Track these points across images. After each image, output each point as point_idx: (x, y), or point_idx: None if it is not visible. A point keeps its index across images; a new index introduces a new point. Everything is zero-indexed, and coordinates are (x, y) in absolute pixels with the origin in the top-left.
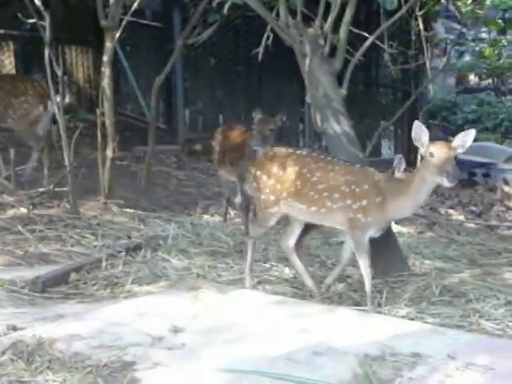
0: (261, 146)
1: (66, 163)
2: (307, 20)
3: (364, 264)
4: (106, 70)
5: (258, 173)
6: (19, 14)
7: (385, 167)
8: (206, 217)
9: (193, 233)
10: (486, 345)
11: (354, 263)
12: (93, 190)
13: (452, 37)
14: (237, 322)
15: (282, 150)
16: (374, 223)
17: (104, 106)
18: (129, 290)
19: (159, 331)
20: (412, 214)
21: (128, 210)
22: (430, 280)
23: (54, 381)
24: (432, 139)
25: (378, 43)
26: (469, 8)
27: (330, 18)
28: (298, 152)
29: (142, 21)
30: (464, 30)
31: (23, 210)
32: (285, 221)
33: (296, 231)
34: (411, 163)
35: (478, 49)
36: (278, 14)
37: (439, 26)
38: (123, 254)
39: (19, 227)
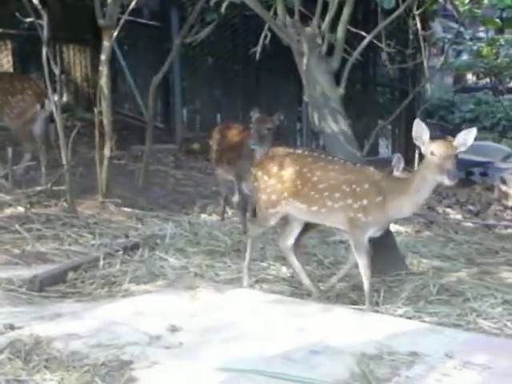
0: (258, 145)
1: (64, 162)
2: (305, 19)
3: (363, 263)
4: (104, 69)
5: (259, 173)
6: (17, 13)
7: (382, 166)
8: (203, 216)
9: (190, 232)
10: (484, 344)
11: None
12: (90, 188)
13: (450, 36)
14: (234, 321)
15: (282, 150)
16: (375, 223)
17: (102, 104)
18: (126, 289)
19: (157, 330)
20: (412, 214)
21: (126, 208)
22: (428, 279)
23: (52, 380)
24: (430, 138)
25: (376, 42)
26: (466, 7)
27: (328, 17)
28: (299, 152)
29: (139, 20)
30: (462, 29)
31: (21, 209)
32: (283, 220)
33: (295, 231)
34: (409, 162)
35: (475, 48)
36: (275, 13)
37: (437, 25)
38: (121, 252)
39: (17, 226)
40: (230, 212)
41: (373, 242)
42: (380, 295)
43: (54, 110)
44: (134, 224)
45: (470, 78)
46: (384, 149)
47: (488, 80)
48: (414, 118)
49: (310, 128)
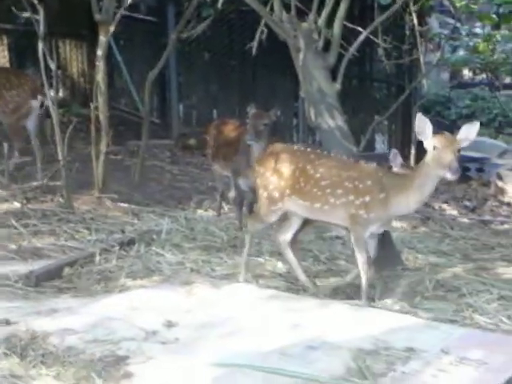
0: (255, 141)
1: (60, 157)
2: (301, 14)
3: (362, 259)
4: (100, 65)
5: (261, 169)
6: (13, 8)
7: (379, 162)
8: (199, 211)
9: (186, 227)
10: (480, 339)
11: (347, 258)
12: (87, 184)
13: (446, 31)
14: (230, 317)
15: (285, 147)
16: (377, 219)
17: (98, 100)
18: (122, 285)
19: (153, 325)
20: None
21: (122, 204)
22: (424, 275)
23: (48, 375)
24: None
25: (372, 38)
26: (463, 3)
27: (324, 13)
28: (301, 148)
29: (136, 15)
30: (458, 24)
31: (17, 205)
32: (282, 215)
33: (294, 226)
34: (405, 158)
35: (472, 44)
36: (272, 9)
37: (433, 21)
38: (117, 248)
39: (13, 221)
40: (226, 207)
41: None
42: (376, 291)
43: (50, 105)
44: (130, 219)
45: (467, 73)
46: (380, 144)
47: (484, 76)
48: (411, 114)
49: (306, 123)
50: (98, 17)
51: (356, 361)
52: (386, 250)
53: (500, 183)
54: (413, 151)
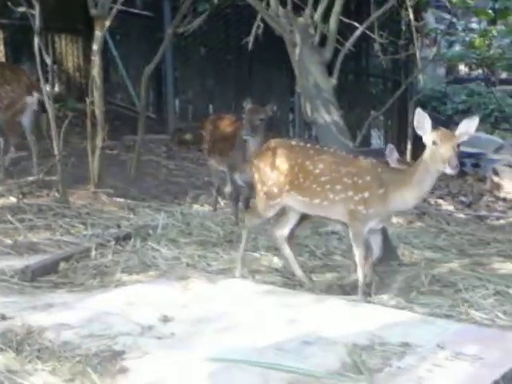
0: (251, 136)
1: (56, 152)
2: (297, 9)
3: (359, 255)
4: (96, 59)
5: (261, 164)
6: (9, 3)
7: (375, 157)
8: (195, 206)
9: (182, 222)
10: (475, 334)
11: (343, 253)
12: (82, 179)
13: (442, 27)
14: (226, 312)
15: (284, 142)
16: (375, 215)
17: (94, 95)
18: (118, 280)
19: (149, 320)
20: (416, 205)
21: (118, 199)
22: (420, 270)
23: (43, 370)
24: None
25: (369, 33)
26: None
27: (320, 8)
28: (301, 144)
29: (131, 10)
30: (454, 19)
31: (12, 199)
32: (279, 210)
33: (291, 221)
34: (401, 153)
35: (468, 39)
36: (268, 3)
37: (429, 16)
38: (113, 243)
39: (8, 216)
40: (222, 202)
41: None
42: (372, 286)
43: (45, 100)
44: (126, 214)
45: (463, 69)
46: (376, 139)
47: (480, 71)
48: (407, 109)
49: (302, 119)
50: (93, 11)
51: (351, 356)
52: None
53: (496, 178)
54: (409, 146)
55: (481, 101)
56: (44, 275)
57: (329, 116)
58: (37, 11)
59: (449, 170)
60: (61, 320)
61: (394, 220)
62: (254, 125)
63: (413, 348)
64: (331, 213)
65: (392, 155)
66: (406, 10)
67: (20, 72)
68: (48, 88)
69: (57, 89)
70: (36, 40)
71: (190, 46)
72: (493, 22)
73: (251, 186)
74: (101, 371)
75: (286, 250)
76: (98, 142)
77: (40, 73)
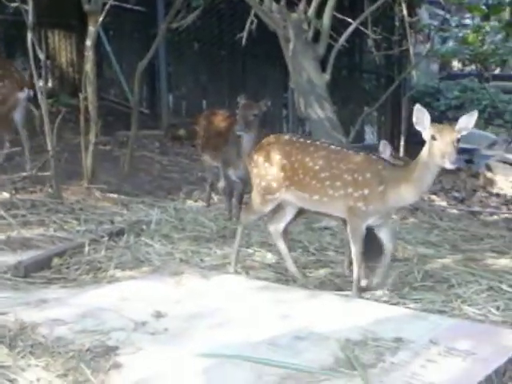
0: (244, 131)
1: (49, 148)
2: (291, 5)
3: (356, 251)
4: (89, 55)
5: (260, 159)
6: None
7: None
8: (189, 202)
9: (176, 218)
10: (468, 330)
11: (337, 249)
12: (76, 174)
13: (436, 23)
14: (220, 307)
15: (285, 138)
16: (375, 212)
17: (87, 90)
18: (112, 275)
19: (142, 316)
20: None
21: (111, 194)
22: (412, 265)
23: (37, 365)
24: None
25: (362, 29)
26: None
27: (314, 3)
28: (302, 140)
29: (125, 5)
30: (448, 15)
31: (5, 195)
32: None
33: (287, 217)
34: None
35: (461, 35)
36: None
37: (423, 12)
38: (106, 238)
39: (1, 212)
40: (215, 198)
41: None
42: (366, 282)
43: (39, 95)
44: (119, 210)
45: (456, 64)
46: (370, 135)
47: (474, 67)
48: (400, 105)
49: (295, 114)
50: (86, 7)
51: (344, 351)
52: (374, 240)
53: (489, 174)
54: (402, 142)
55: (474, 97)
56: (37, 271)
57: (322, 112)
58: (30, 6)
59: (448, 165)
60: (54, 315)
61: None
62: (248, 120)
63: (406, 343)
64: (331, 209)
65: (385, 151)
66: (400, 5)
67: (11, 68)
68: (41, 83)
69: (50, 84)
70: (29, 35)
71: (184, 42)
72: (486, 17)
73: (245, 182)
74: (94, 367)
75: (281, 246)
76: (92, 138)
77: (33, 68)
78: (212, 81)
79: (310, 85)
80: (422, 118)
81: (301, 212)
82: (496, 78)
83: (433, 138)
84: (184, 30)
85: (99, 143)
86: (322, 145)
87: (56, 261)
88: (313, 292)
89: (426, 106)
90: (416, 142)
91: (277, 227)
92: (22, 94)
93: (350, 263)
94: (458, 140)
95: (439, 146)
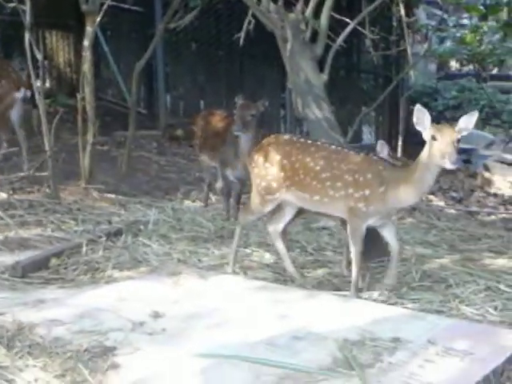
0: (242, 132)
1: (47, 148)
2: (288, 5)
3: (356, 251)
4: (87, 55)
5: (261, 159)
6: None
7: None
8: (186, 202)
9: (174, 218)
10: (466, 330)
11: (335, 249)
12: (73, 174)
13: (433, 23)
14: (218, 308)
15: (285, 138)
16: (375, 213)
17: (85, 90)
18: (109, 275)
19: (140, 316)
20: (417, 202)
21: (109, 195)
22: (410, 265)
23: (35, 366)
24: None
25: (360, 29)
26: None
27: (312, 3)
28: (302, 140)
29: (122, 5)
30: (445, 15)
31: (3, 195)
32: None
33: (286, 217)
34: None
35: (459, 35)
36: None
37: (421, 12)
38: (104, 239)
39: None
40: (213, 198)
41: None
42: (364, 281)
43: (36, 95)
44: (117, 210)
45: (454, 64)
46: (367, 135)
47: (471, 67)
48: (398, 105)
49: (293, 114)
50: (84, 7)
51: (342, 351)
52: (372, 240)
53: (487, 174)
54: (400, 142)
55: (472, 97)
56: (35, 271)
57: (320, 112)
58: (28, 7)
59: (449, 165)
60: (52, 316)
61: None
62: (246, 121)
63: (404, 343)
64: (331, 209)
65: (383, 151)
66: (397, 5)
67: (7, 67)
68: (39, 84)
69: (48, 84)
70: (27, 35)
71: (181, 42)
72: (484, 17)
73: (243, 182)
74: (92, 367)
75: (280, 246)
76: (89, 138)
77: (31, 68)
78: (210, 81)
79: (307, 85)
80: (422, 119)
81: (299, 212)
82: (494, 78)
83: (433, 138)
84: (182, 31)
85: (97, 143)
86: (323, 145)
87: (54, 261)
88: (311, 292)
89: (424, 106)
90: (414, 143)
91: (276, 227)
92: (19, 94)
93: (349, 263)
94: (459, 140)
95: (439, 147)
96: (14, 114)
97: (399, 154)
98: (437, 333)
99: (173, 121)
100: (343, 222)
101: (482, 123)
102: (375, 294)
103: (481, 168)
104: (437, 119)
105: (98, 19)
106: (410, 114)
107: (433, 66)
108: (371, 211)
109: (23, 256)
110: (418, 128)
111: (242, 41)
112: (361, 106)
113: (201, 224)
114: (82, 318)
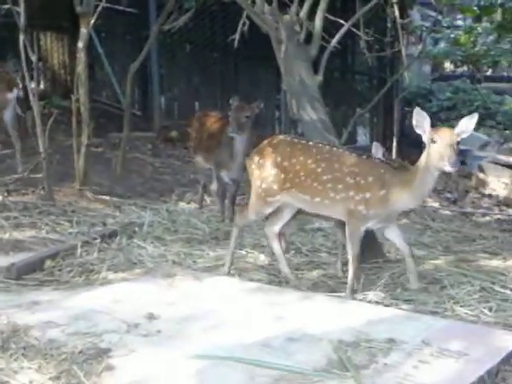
0: (237, 133)
1: (41, 150)
2: (283, 6)
3: (353, 253)
4: (81, 56)
5: (261, 161)
6: None
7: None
8: (181, 204)
9: (168, 220)
10: (461, 331)
11: (329, 250)
12: (68, 176)
13: (428, 24)
14: (213, 309)
15: (286, 139)
16: (375, 216)
17: (79, 92)
18: (104, 277)
19: (135, 318)
20: (417, 206)
21: (103, 196)
22: (405, 267)
23: (29, 368)
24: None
25: (354, 30)
26: None
27: (306, 5)
28: (303, 142)
29: (117, 7)
30: (440, 17)
31: None
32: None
33: (285, 218)
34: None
35: (453, 36)
36: (253, 1)
37: (415, 13)
38: (98, 241)
39: None
40: (208, 200)
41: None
42: (359, 282)
43: (31, 97)
44: (111, 212)
45: (448, 66)
46: (362, 137)
47: (466, 68)
48: (392, 106)
49: (288, 116)
50: (78, 9)
51: (337, 352)
52: (367, 242)
53: (481, 175)
54: (394, 143)
55: (466, 98)
56: (29, 273)
57: (314, 113)
58: (22, 8)
59: (448, 168)
60: (46, 318)
61: None
62: (241, 122)
63: (398, 344)
64: (331, 211)
65: (378, 152)
66: (392, 7)
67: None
68: (33, 85)
69: (42, 86)
70: (21, 37)
71: (176, 44)
72: (478, 19)
73: (237, 183)
74: (87, 369)
75: (276, 247)
76: (84, 140)
77: (25, 70)
78: (204, 83)
79: (302, 86)
80: (421, 122)
81: (295, 214)
82: (488, 79)
83: (432, 141)
84: (176, 32)
85: (91, 145)
86: (325, 147)
87: (48, 263)
88: (306, 293)
89: (418, 107)
90: (408, 144)
91: (273, 229)
92: (12, 95)
93: (343, 264)
94: (458, 143)
95: (439, 149)
96: (7, 115)
97: (394, 155)
98: (431, 334)
99: (167, 122)
100: (338, 224)
101: (476, 124)
102: (370, 296)
103: (475, 169)
104: (431, 120)
105: (93, 21)
106: (404, 115)
107: (427, 68)
108: (371, 214)
109: (18, 258)
110: (418, 131)
111: (236, 42)
112: (355, 108)
113: (196, 226)
114: (77, 320)
